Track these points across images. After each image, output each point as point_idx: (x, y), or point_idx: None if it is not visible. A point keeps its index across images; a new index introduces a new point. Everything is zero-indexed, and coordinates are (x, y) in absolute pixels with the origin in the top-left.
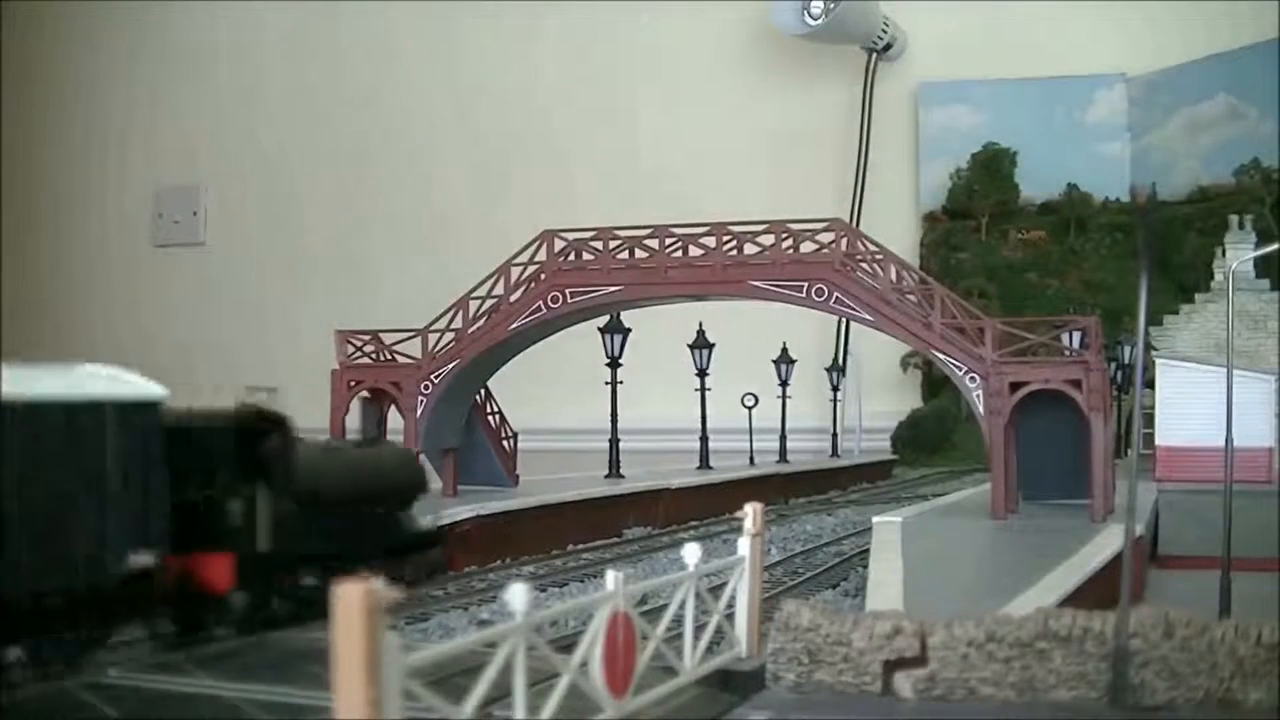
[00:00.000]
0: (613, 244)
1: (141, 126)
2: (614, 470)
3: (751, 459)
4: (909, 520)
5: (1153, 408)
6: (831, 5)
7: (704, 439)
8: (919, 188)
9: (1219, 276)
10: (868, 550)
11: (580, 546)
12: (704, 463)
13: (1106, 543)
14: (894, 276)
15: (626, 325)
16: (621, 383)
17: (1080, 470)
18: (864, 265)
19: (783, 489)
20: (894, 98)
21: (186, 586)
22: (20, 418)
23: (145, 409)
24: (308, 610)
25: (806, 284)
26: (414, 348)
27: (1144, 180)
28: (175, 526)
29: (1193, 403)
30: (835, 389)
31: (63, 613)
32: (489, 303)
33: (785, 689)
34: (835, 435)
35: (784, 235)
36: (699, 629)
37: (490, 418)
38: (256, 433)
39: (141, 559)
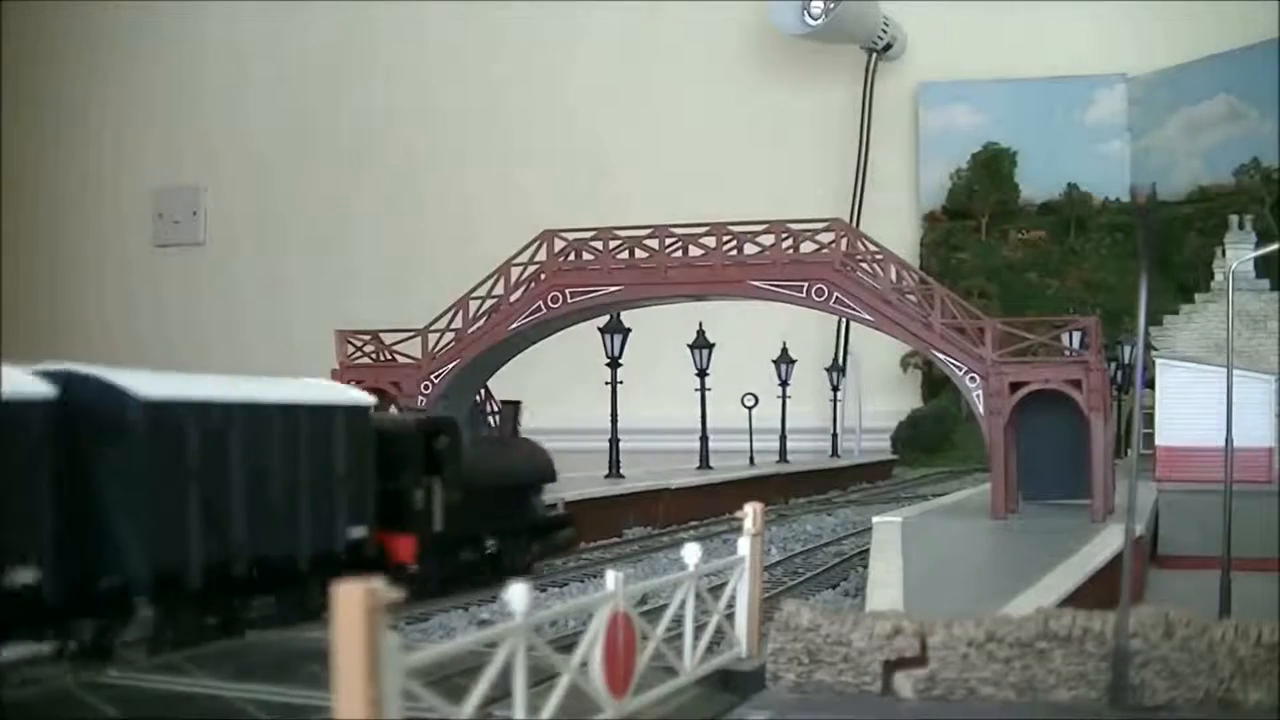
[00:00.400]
0: (613, 244)
1: (141, 126)
2: (614, 470)
3: (751, 459)
4: (909, 520)
5: (1153, 408)
6: (831, 5)
7: (704, 439)
8: (919, 188)
9: (1219, 276)
10: (868, 550)
11: (580, 546)
12: (704, 463)
13: (1106, 543)
14: (894, 276)
15: (626, 325)
16: (621, 383)
17: (1080, 470)
18: (864, 265)
19: (783, 489)
20: (894, 98)
21: (382, 558)
22: (276, 418)
23: (362, 412)
24: (471, 580)
25: (806, 284)
26: (414, 348)
27: (1144, 180)
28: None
29: (1193, 403)
30: (835, 389)
31: (308, 571)
32: (489, 303)
33: (785, 689)
34: (835, 435)
35: (784, 235)
36: (699, 629)
37: (491, 418)
38: (434, 435)
39: (358, 532)
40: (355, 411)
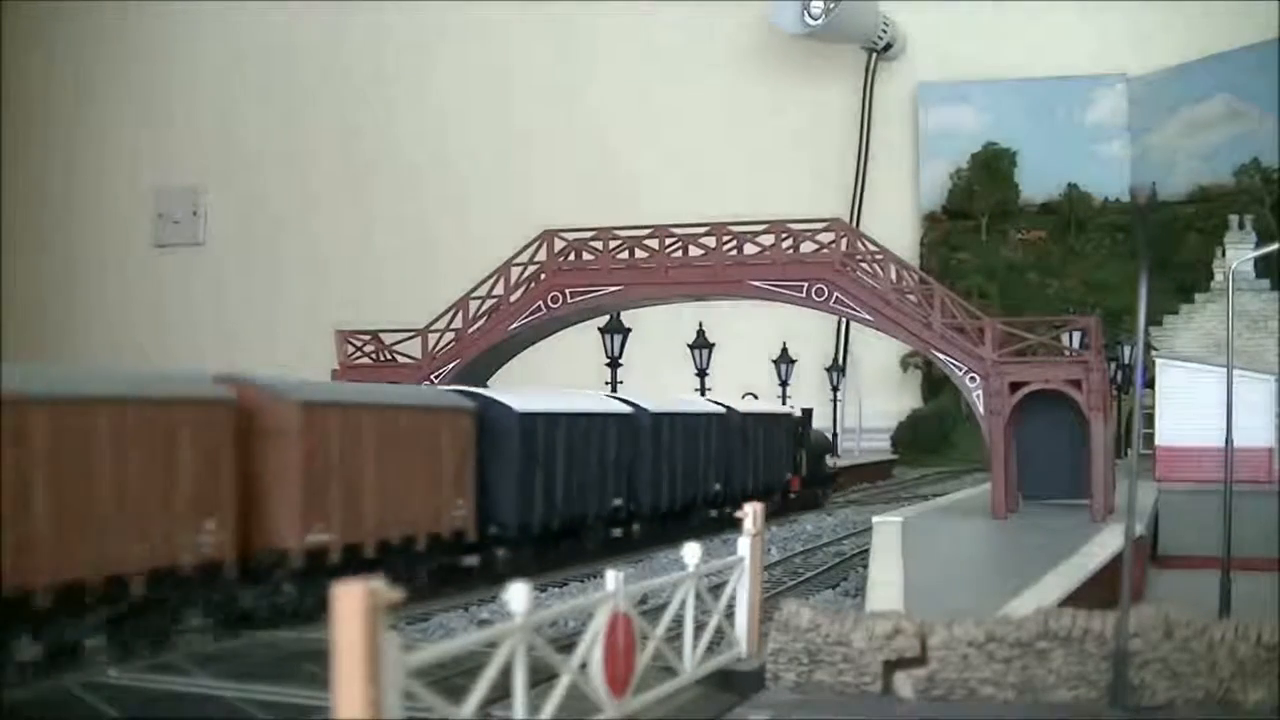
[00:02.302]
0: (613, 244)
1: (141, 126)
2: None
3: None
4: (909, 520)
5: (1153, 408)
6: (831, 5)
7: None
8: (919, 188)
9: (1219, 276)
10: (868, 550)
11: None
12: None
13: (1106, 543)
14: (894, 276)
15: (627, 325)
16: (622, 382)
17: (1080, 470)
18: (864, 265)
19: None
20: (894, 98)
21: (788, 488)
22: (748, 421)
23: (796, 417)
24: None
25: (806, 284)
26: (414, 347)
27: (1144, 180)
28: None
29: (1193, 403)
30: (835, 389)
31: (764, 493)
32: (489, 303)
33: (785, 689)
34: (835, 435)
35: (784, 235)
36: (699, 629)
37: None
38: (802, 419)
39: (786, 476)
40: (793, 417)
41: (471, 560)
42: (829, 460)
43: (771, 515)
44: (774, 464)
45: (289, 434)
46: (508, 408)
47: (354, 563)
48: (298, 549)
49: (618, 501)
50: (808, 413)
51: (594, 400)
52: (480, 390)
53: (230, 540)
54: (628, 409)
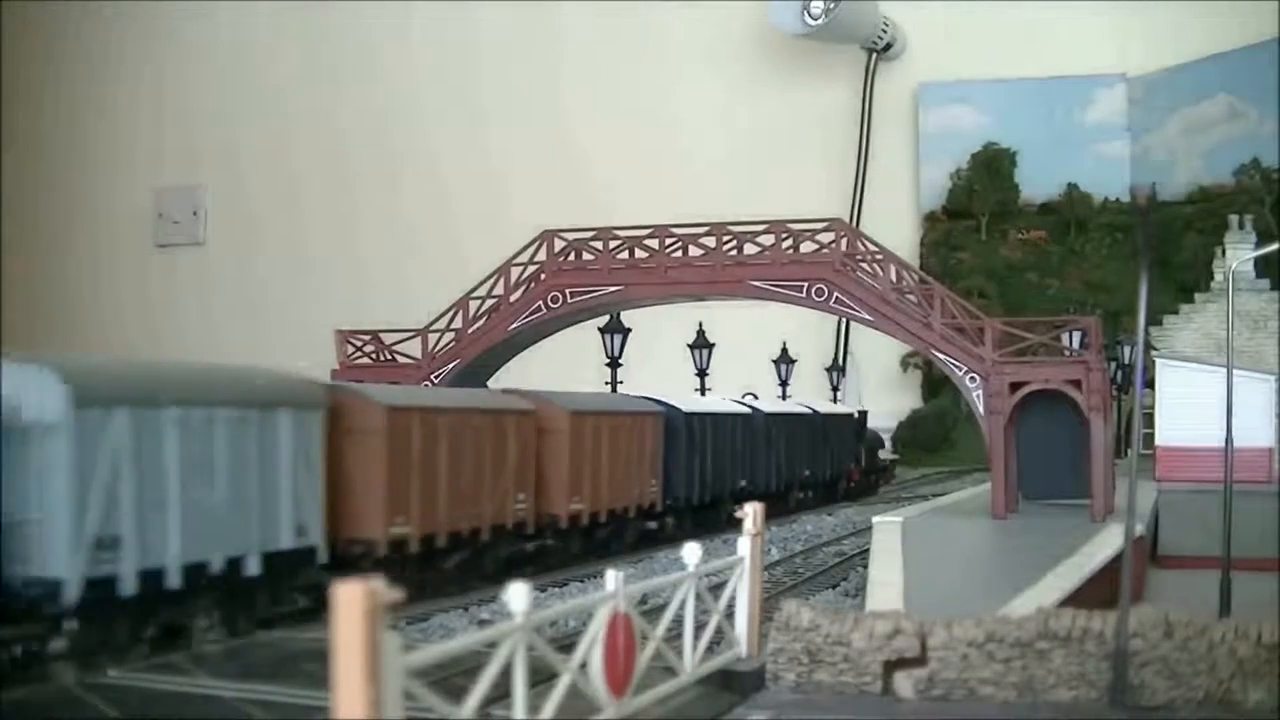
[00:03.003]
0: (613, 244)
1: (142, 126)
2: None
3: None
4: (909, 520)
5: (1153, 408)
6: (831, 5)
7: None
8: (919, 188)
9: (1219, 276)
10: (868, 550)
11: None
12: None
13: (1106, 543)
14: (894, 276)
15: (627, 325)
16: (622, 382)
17: (1080, 470)
18: (864, 265)
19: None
20: (894, 98)
21: (849, 478)
22: (814, 421)
23: (858, 416)
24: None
25: (806, 284)
26: (414, 347)
27: (1144, 180)
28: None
29: (1193, 403)
30: (835, 389)
31: (829, 482)
32: (489, 303)
33: (785, 689)
34: None
35: (784, 235)
36: (699, 629)
37: None
38: (861, 419)
39: (848, 464)
40: (854, 417)
41: (653, 525)
42: (881, 454)
43: (816, 506)
44: (843, 455)
45: (561, 433)
46: (679, 410)
47: (596, 525)
48: (564, 515)
49: (743, 482)
50: (864, 414)
51: (725, 403)
52: (654, 397)
53: (532, 507)
54: (748, 411)
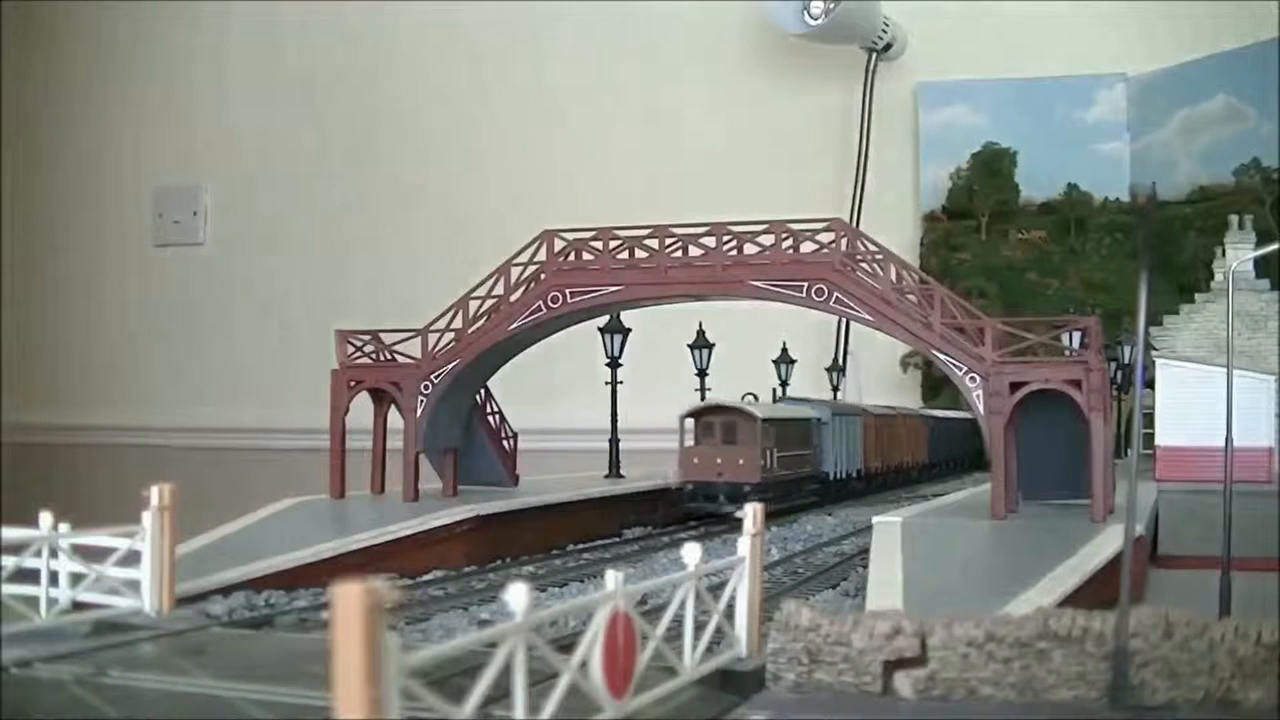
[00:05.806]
0: (613, 244)
1: (142, 126)
2: (614, 470)
3: None
4: (909, 520)
5: (1153, 408)
6: (832, 5)
7: None
8: (919, 188)
9: (1219, 276)
10: (868, 550)
11: (580, 546)
12: None
13: (1106, 543)
14: (894, 276)
15: (627, 325)
16: (622, 383)
17: (1080, 470)
18: (864, 265)
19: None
20: (894, 98)
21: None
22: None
23: (964, 420)
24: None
25: (806, 284)
26: (414, 348)
27: (1144, 180)
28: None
29: (1193, 403)
30: (835, 389)
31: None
32: (489, 303)
33: (785, 689)
34: None
35: (784, 235)
36: (699, 629)
37: (490, 417)
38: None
39: (956, 453)
40: (964, 420)
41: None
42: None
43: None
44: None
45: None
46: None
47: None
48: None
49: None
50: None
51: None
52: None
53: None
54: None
